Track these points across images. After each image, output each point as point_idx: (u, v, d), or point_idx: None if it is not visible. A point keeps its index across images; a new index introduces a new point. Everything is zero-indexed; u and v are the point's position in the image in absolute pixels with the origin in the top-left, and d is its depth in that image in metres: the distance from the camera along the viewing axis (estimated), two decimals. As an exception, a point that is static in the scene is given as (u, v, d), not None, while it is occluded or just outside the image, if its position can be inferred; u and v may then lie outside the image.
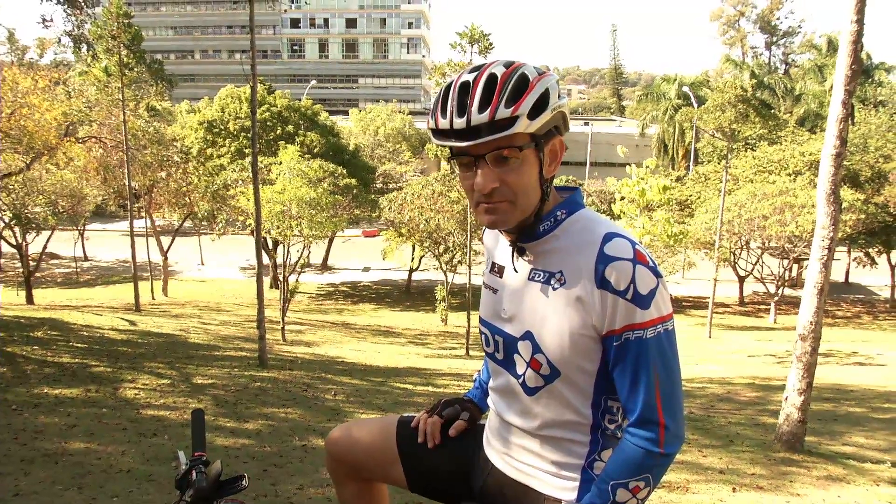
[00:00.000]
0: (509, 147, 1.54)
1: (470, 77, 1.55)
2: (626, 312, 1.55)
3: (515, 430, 1.78)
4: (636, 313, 1.55)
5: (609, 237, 1.58)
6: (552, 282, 1.64)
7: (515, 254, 1.72)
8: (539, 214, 1.64)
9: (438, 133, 1.57)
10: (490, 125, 1.51)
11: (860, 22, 6.80)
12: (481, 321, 1.84)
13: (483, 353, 2.01)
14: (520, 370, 1.71)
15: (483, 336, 1.84)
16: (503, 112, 1.51)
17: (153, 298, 30.01)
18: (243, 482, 1.87)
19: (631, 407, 1.60)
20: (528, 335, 1.66)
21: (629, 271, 1.54)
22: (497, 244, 1.85)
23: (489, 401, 1.93)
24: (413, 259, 34.51)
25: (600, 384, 1.66)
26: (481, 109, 1.51)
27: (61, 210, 30.14)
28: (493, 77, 1.53)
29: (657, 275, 1.56)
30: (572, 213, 1.67)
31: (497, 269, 1.81)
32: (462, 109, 1.52)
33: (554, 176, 1.66)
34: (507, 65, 1.57)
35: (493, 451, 1.88)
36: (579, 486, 1.70)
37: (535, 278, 1.67)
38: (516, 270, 1.73)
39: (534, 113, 1.54)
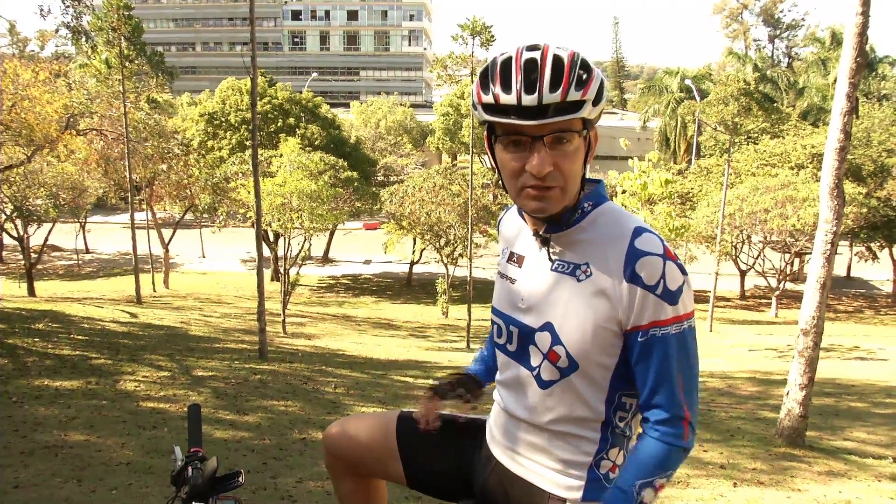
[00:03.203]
0: (569, 131, 1.51)
1: (534, 55, 1.50)
2: (654, 308, 1.54)
3: (523, 426, 1.75)
4: (664, 309, 1.54)
5: (639, 231, 1.57)
6: (578, 273, 1.61)
7: (539, 244, 1.69)
8: (574, 204, 1.62)
9: (496, 109, 1.51)
10: (559, 106, 1.47)
11: (865, 14, 6.76)
12: (494, 311, 1.81)
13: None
14: (535, 362, 1.68)
15: (495, 326, 1.80)
16: (574, 94, 1.48)
17: (154, 291, 30.04)
18: (239, 479, 1.86)
19: (656, 404, 1.58)
20: (547, 326, 1.63)
21: (660, 267, 1.53)
22: (517, 234, 1.81)
23: (495, 394, 1.90)
24: (414, 252, 34.49)
25: (616, 380, 1.64)
26: (553, 89, 1.47)
27: (62, 202, 30.13)
28: (558, 58, 1.50)
29: (683, 272, 1.56)
30: (598, 206, 1.65)
31: (516, 259, 1.77)
32: (531, 87, 1.47)
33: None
34: (561, 48, 1.54)
35: (498, 446, 1.85)
36: (585, 486, 1.68)
37: (560, 269, 1.64)
38: (538, 261, 1.70)
39: (597, 100, 1.52)
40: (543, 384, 1.67)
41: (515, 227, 1.83)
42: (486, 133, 1.61)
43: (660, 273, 1.53)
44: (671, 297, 1.53)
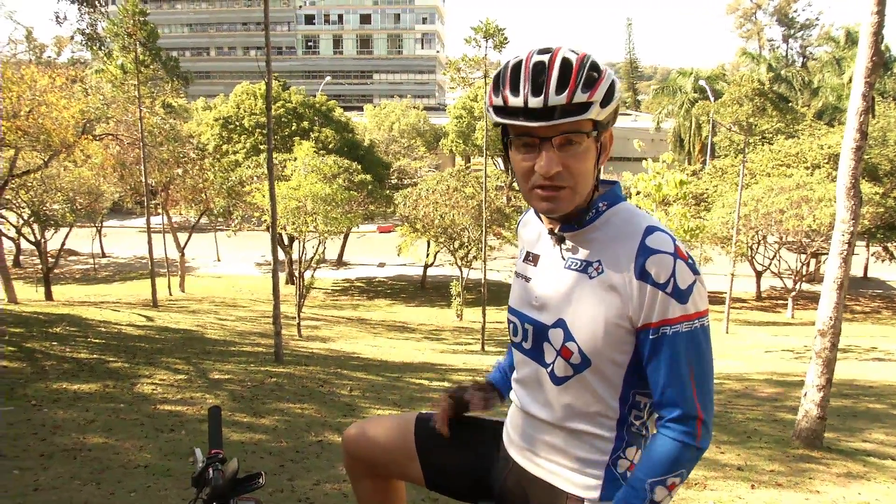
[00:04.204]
0: (577, 132, 1.53)
1: (543, 58, 1.54)
2: (664, 306, 1.54)
3: (539, 424, 1.76)
4: (674, 307, 1.54)
5: (650, 230, 1.58)
6: (589, 270, 1.63)
7: (554, 242, 1.71)
8: (587, 204, 1.64)
9: (506, 111, 1.55)
10: (565, 108, 1.50)
11: (881, 13, 6.71)
12: (510, 310, 1.83)
13: (500, 350, 2.00)
14: (549, 359, 1.69)
15: (511, 325, 1.82)
16: (580, 96, 1.51)
17: (170, 294, 30.22)
18: (260, 480, 1.87)
19: (667, 401, 1.58)
20: (560, 322, 1.65)
21: (670, 265, 1.54)
22: (534, 235, 1.83)
23: (511, 395, 1.91)
24: (428, 255, 34.49)
25: (630, 377, 1.64)
26: (559, 91, 1.50)
27: (79, 207, 30.34)
28: (567, 61, 1.53)
29: (695, 271, 1.57)
30: (613, 206, 1.67)
31: (532, 259, 1.79)
32: (537, 89, 1.50)
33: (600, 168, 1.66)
34: (573, 51, 1.56)
35: (514, 447, 1.86)
36: (602, 485, 1.69)
37: (572, 267, 1.66)
38: (552, 259, 1.72)
39: (605, 101, 1.54)
40: (557, 380, 1.68)
41: (533, 229, 1.85)
42: (501, 135, 1.65)
43: (670, 271, 1.53)
44: (681, 295, 1.54)
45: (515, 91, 1.52)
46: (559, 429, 1.72)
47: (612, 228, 1.64)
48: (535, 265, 1.77)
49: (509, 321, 1.84)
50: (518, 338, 1.80)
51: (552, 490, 1.74)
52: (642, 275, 1.55)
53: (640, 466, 1.61)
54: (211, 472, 1.89)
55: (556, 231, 1.70)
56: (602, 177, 1.68)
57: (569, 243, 1.69)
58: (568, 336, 1.63)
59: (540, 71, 1.51)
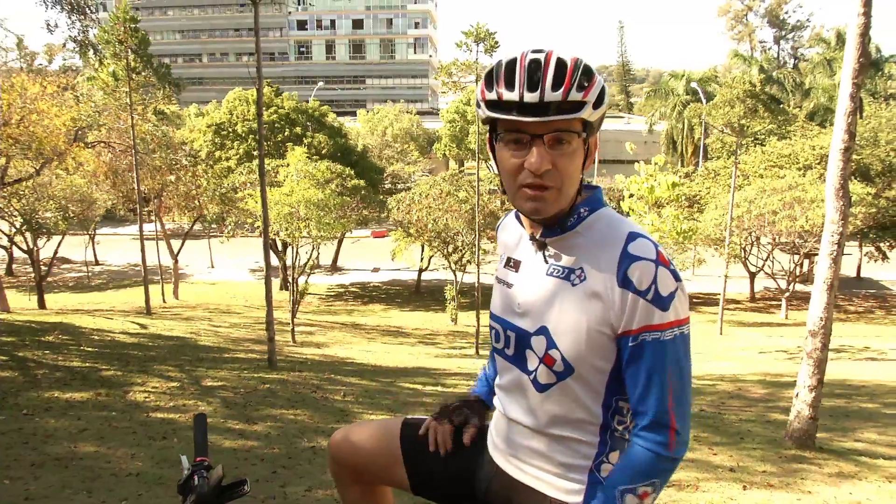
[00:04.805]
0: (568, 131, 1.53)
1: (538, 56, 1.54)
2: (645, 313, 1.54)
3: (522, 430, 1.76)
4: (655, 314, 1.54)
5: (633, 237, 1.57)
6: (572, 277, 1.62)
7: (535, 248, 1.70)
8: (570, 208, 1.63)
9: (499, 106, 1.54)
10: (560, 105, 1.50)
11: (867, 14, 6.75)
12: (492, 316, 1.82)
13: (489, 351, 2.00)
14: (531, 366, 1.68)
15: (493, 331, 1.81)
16: (575, 95, 1.51)
17: (164, 301, 30.15)
18: (245, 487, 1.86)
19: (642, 409, 1.58)
20: (543, 330, 1.64)
21: (652, 272, 1.53)
22: (515, 240, 1.82)
23: (495, 401, 1.91)
24: (422, 259, 34.51)
25: (613, 384, 1.64)
26: (555, 88, 1.50)
27: (72, 215, 30.32)
28: (562, 60, 1.53)
29: (677, 278, 1.56)
30: (594, 211, 1.66)
31: (513, 264, 1.78)
32: (534, 85, 1.50)
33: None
34: (564, 54, 1.57)
35: (498, 452, 1.86)
36: (586, 489, 1.68)
37: (555, 273, 1.65)
38: (534, 265, 1.70)
39: (597, 103, 1.55)
40: (541, 388, 1.68)
41: (513, 233, 1.84)
42: (488, 133, 1.64)
43: (651, 278, 1.53)
44: (662, 302, 1.53)
45: (511, 86, 1.52)
46: (542, 435, 1.71)
47: (594, 234, 1.63)
48: (516, 271, 1.76)
49: (491, 327, 1.83)
50: (500, 344, 1.79)
51: (536, 495, 1.74)
52: (624, 282, 1.54)
53: (613, 472, 1.62)
54: (196, 479, 1.89)
55: (537, 236, 1.68)
56: (594, 179, 1.68)
57: (551, 249, 1.67)
58: (551, 343, 1.63)
59: (535, 69, 1.51)
